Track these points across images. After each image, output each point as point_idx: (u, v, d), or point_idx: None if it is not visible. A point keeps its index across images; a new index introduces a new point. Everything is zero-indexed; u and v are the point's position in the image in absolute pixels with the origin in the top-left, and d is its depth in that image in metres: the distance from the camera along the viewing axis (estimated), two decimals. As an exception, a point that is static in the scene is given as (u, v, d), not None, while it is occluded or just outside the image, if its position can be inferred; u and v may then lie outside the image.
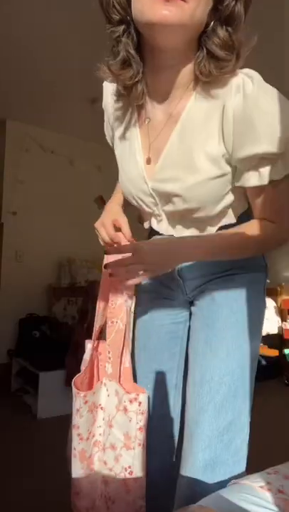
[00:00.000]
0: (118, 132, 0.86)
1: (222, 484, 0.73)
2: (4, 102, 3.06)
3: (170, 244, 0.79)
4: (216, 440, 0.77)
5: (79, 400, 0.93)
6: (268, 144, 0.65)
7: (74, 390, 0.94)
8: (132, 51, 0.67)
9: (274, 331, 3.56)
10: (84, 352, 0.99)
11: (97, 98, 3.31)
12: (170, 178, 0.76)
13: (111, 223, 0.90)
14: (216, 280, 0.85)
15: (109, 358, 0.92)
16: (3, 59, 2.47)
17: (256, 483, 0.68)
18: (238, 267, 0.84)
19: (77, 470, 0.94)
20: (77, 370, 0.97)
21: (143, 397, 0.86)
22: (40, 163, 3.54)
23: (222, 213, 0.80)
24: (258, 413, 2.89)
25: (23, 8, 2.02)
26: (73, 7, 2.03)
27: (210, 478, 0.75)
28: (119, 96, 0.77)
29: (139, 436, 0.85)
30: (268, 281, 0.91)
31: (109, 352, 0.93)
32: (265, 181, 0.68)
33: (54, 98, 2.98)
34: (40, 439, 2.14)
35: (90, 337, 0.99)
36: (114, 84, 0.76)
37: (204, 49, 0.66)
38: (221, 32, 0.64)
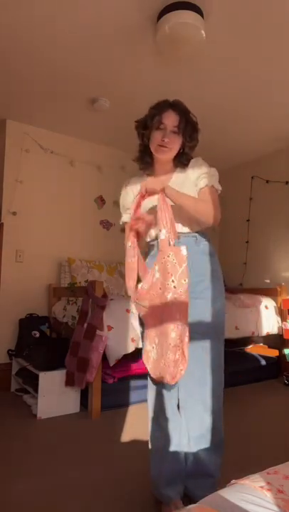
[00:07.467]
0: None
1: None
2: (4, 102, 3.07)
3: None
4: None
5: None
6: (204, 169, 1.57)
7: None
8: (147, 158, 1.62)
9: (274, 331, 3.56)
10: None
11: (97, 98, 3.32)
12: None
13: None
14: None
15: None
16: (3, 59, 2.48)
17: (256, 483, 0.68)
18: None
19: None
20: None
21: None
22: (40, 163, 3.55)
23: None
24: (258, 413, 2.89)
25: (23, 7, 2.03)
26: (73, 5, 2.03)
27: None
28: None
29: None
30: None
31: None
32: (203, 185, 1.55)
33: (54, 98, 2.98)
34: (40, 439, 2.14)
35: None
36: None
37: (180, 158, 1.58)
38: (185, 154, 1.57)
